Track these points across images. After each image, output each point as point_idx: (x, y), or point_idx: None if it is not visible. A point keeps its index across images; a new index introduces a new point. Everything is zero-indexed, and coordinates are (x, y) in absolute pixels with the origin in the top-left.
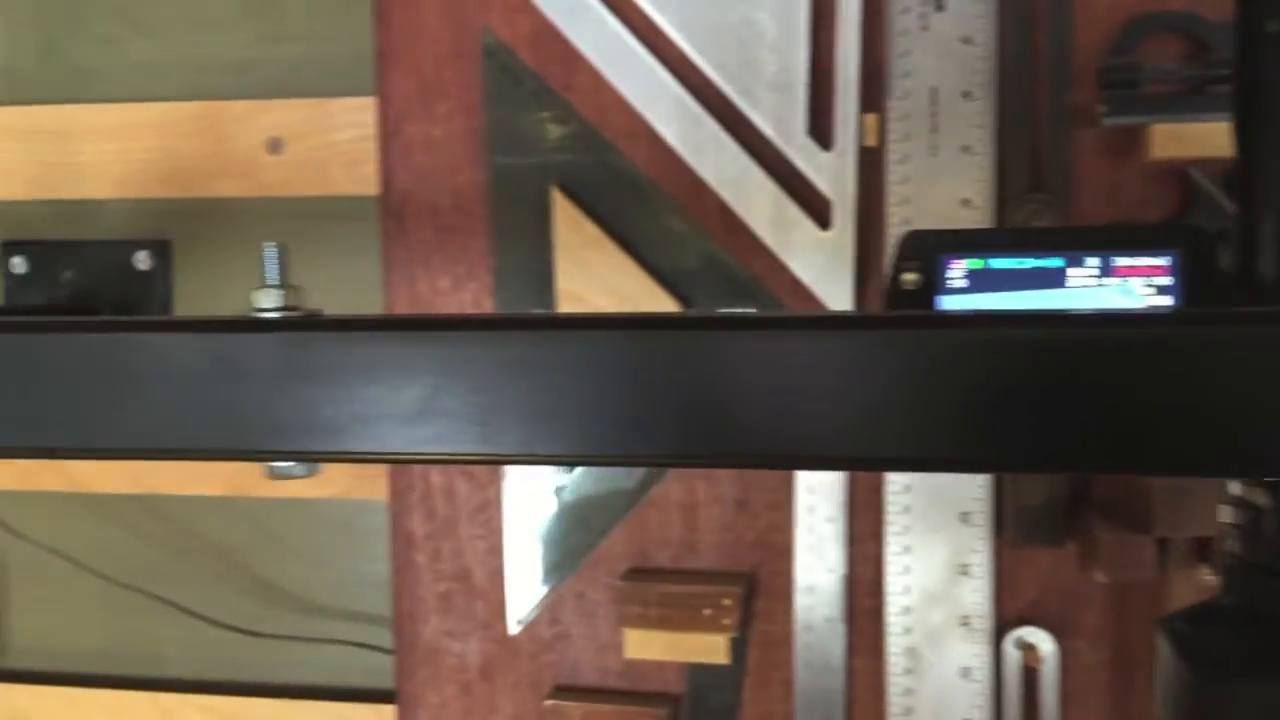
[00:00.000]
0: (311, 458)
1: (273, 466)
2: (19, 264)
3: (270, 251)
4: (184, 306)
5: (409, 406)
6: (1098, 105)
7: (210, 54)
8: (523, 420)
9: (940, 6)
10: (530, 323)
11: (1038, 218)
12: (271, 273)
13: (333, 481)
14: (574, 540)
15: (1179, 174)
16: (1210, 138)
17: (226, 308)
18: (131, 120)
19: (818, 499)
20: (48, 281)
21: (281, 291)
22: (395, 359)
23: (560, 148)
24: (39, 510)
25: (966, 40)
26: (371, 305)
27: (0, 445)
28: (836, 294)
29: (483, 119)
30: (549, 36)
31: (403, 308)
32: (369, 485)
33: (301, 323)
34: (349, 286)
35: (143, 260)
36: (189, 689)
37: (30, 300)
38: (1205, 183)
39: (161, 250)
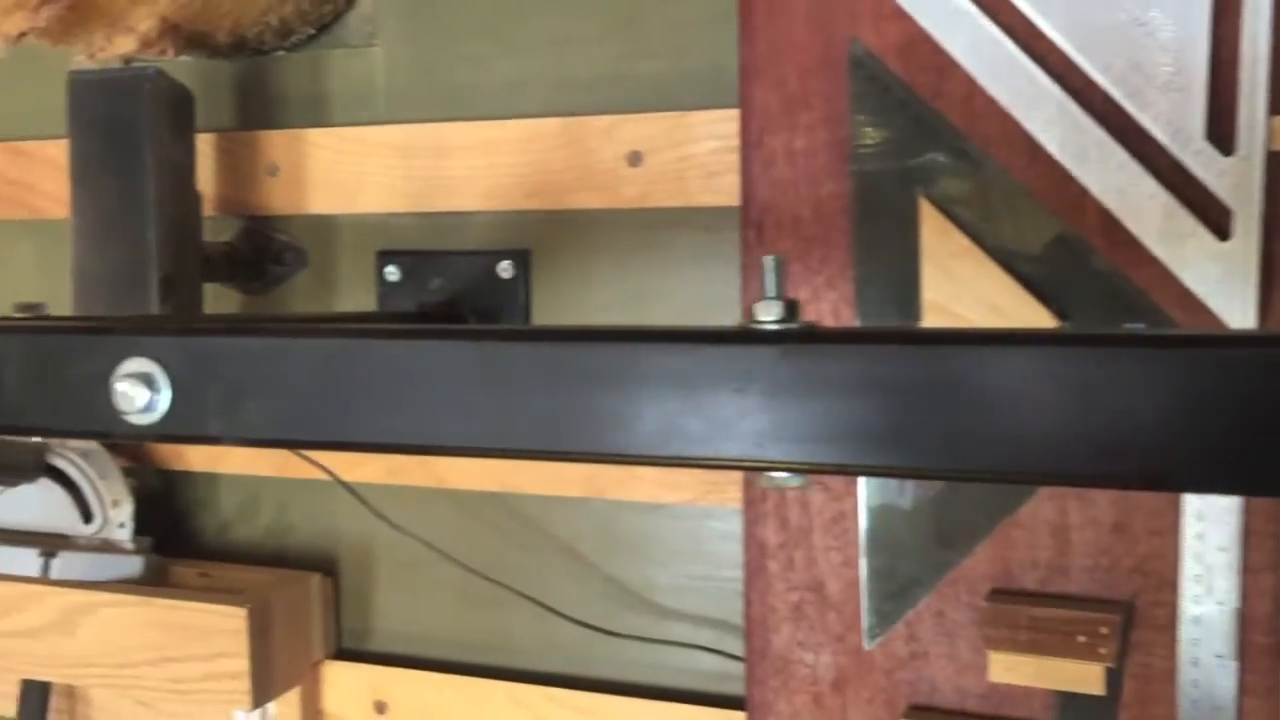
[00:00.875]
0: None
1: (770, 477)
2: (392, 272)
3: (769, 263)
4: (541, 314)
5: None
6: None
7: (573, 71)
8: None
9: None
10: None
11: None
12: (770, 285)
13: (684, 487)
14: (933, 557)
15: None
16: None
17: (580, 316)
18: (499, 136)
19: (1208, 526)
20: (417, 289)
21: (780, 304)
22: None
23: (928, 157)
24: (406, 503)
25: None
26: (728, 314)
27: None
28: (1236, 309)
29: (848, 129)
30: (920, 44)
31: None
32: (719, 492)
33: (801, 334)
34: (705, 297)
35: (505, 269)
36: (541, 681)
37: (400, 306)
38: None
39: (522, 260)
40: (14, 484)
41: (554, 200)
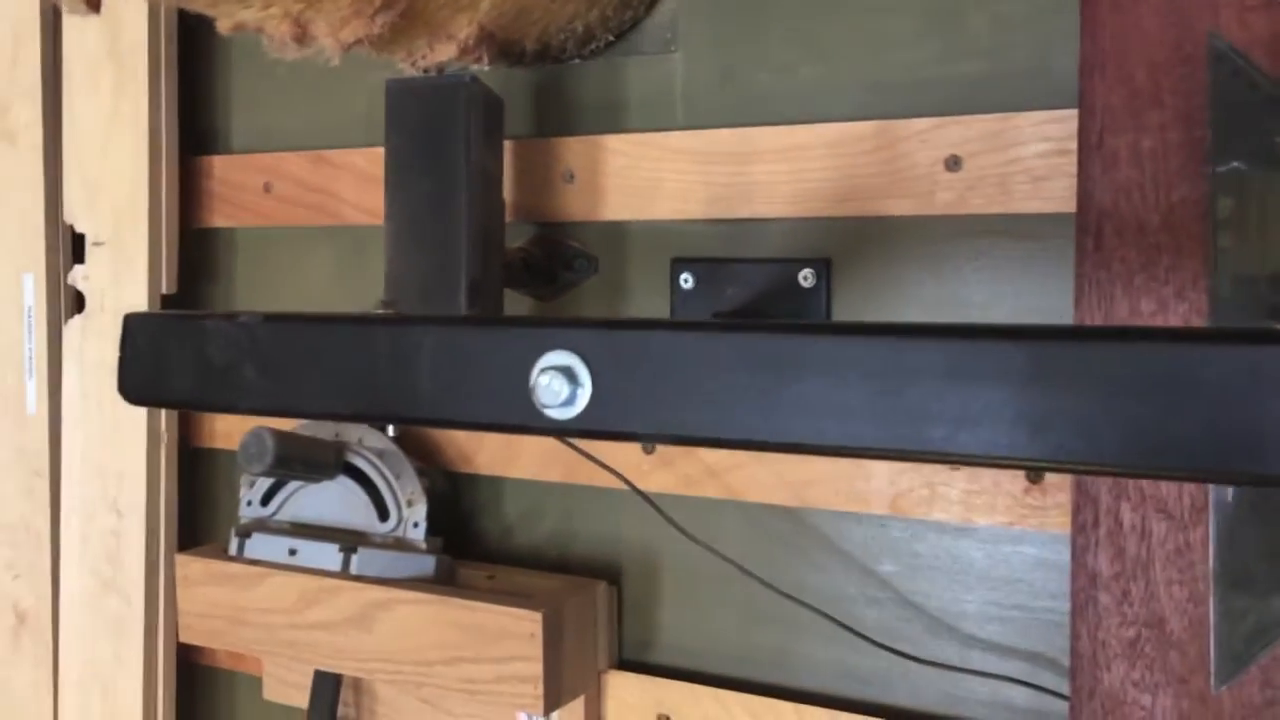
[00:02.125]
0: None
1: None
2: (687, 279)
3: None
4: (842, 317)
5: None
6: None
7: (887, 73)
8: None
9: None
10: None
11: None
12: None
13: (997, 510)
14: None
15: None
16: None
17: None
18: (805, 141)
19: None
20: (713, 297)
21: None
22: None
23: None
24: (695, 513)
25: None
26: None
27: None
28: None
29: (1204, 129)
30: None
31: None
32: (1036, 516)
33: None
34: (1026, 308)
35: (806, 277)
36: (832, 704)
37: (695, 314)
38: None
39: (824, 268)
40: (316, 480)
41: (861, 207)
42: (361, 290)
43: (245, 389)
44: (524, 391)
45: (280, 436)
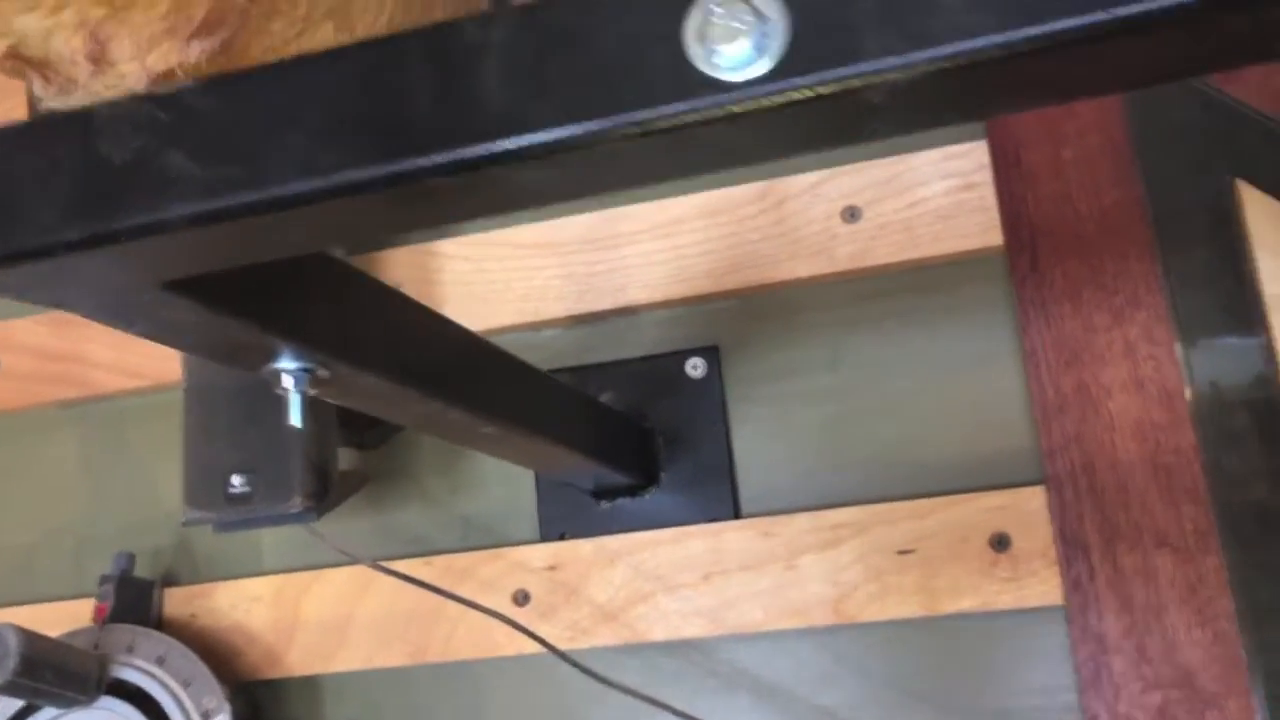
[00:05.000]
0: None
1: None
2: None
3: None
4: (740, 416)
5: None
6: None
7: None
8: None
9: None
10: None
11: None
12: None
13: (959, 591)
14: None
15: None
16: None
17: (784, 412)
18: (680, 214)
19: None
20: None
21: None
22: None
23: (1233, 142)
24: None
25: None
26: (999, 362)
27: None
28: None
29: (1125, 128)
30: None
31: (1051, 354)
32: (1012, 591)
33: None
34: (957, 359)
35: (696, 367)
36: None
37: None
38: None
39: (713, 355)
40: (73, 702)
41: (753, 276)
42: (124, 478)
43: (173, 184)
44: (677, 49)
45: (27, 636)
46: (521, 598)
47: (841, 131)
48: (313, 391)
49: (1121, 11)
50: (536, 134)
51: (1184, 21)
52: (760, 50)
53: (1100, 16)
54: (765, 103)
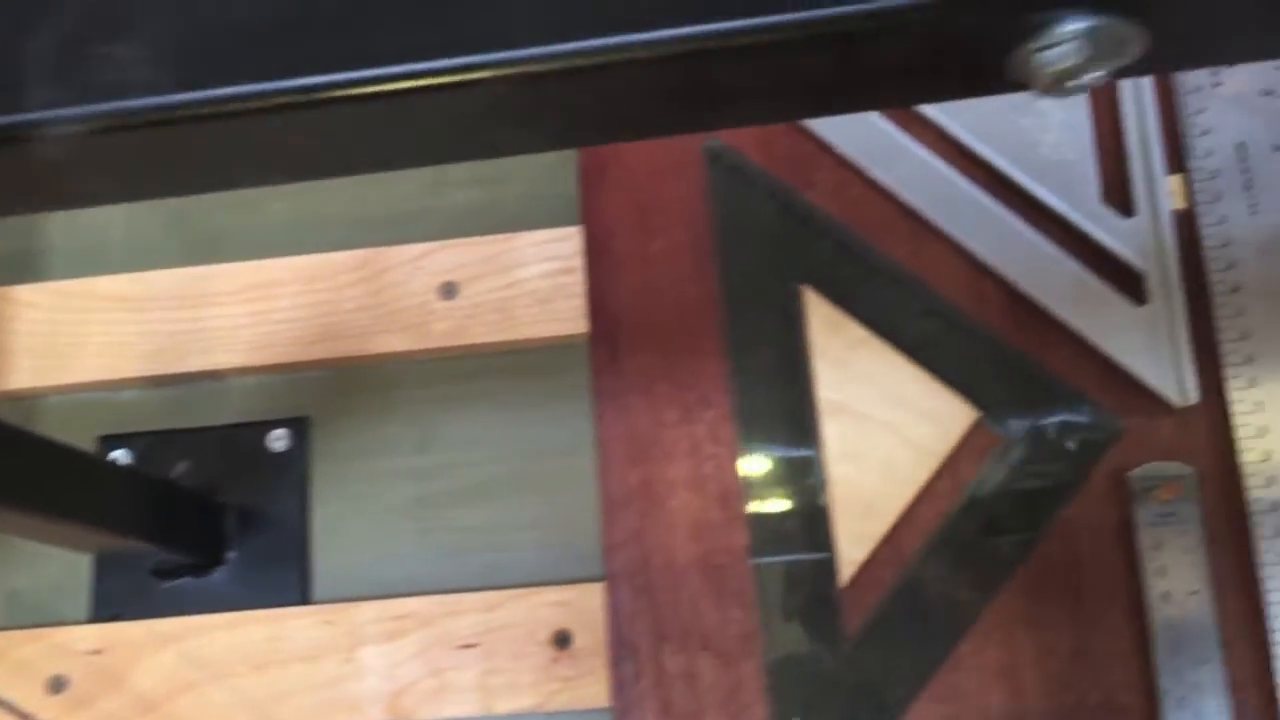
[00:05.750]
0: None
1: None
2: (121, 458)
3: None
4: (324, 491)
5: None
6: None
7: (372, 208)
8: None
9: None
10: None
11: None
12: None
13: (519, 689)
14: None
15: None
16: None
17: (372, 489)
18: (275, 277)
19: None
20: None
21: None
22: None
23: (806, 249)
24: None
25: (1267, 93)
26: (580, 453)
27: None
28: (1169, 375)
29: (710, 226)
30: (785, 132)
31: (622, 448)
32: (571, 690)
33: None
34: (551, 438)
35: (279, 440)
36: None
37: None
38: None
39: (300, 428)
40: None
41: (347, 347)
42: None
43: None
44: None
45: None
46: (57, 684)
47: None
48: None
49: None
50: None
51: None
52: None
53: None
54: None
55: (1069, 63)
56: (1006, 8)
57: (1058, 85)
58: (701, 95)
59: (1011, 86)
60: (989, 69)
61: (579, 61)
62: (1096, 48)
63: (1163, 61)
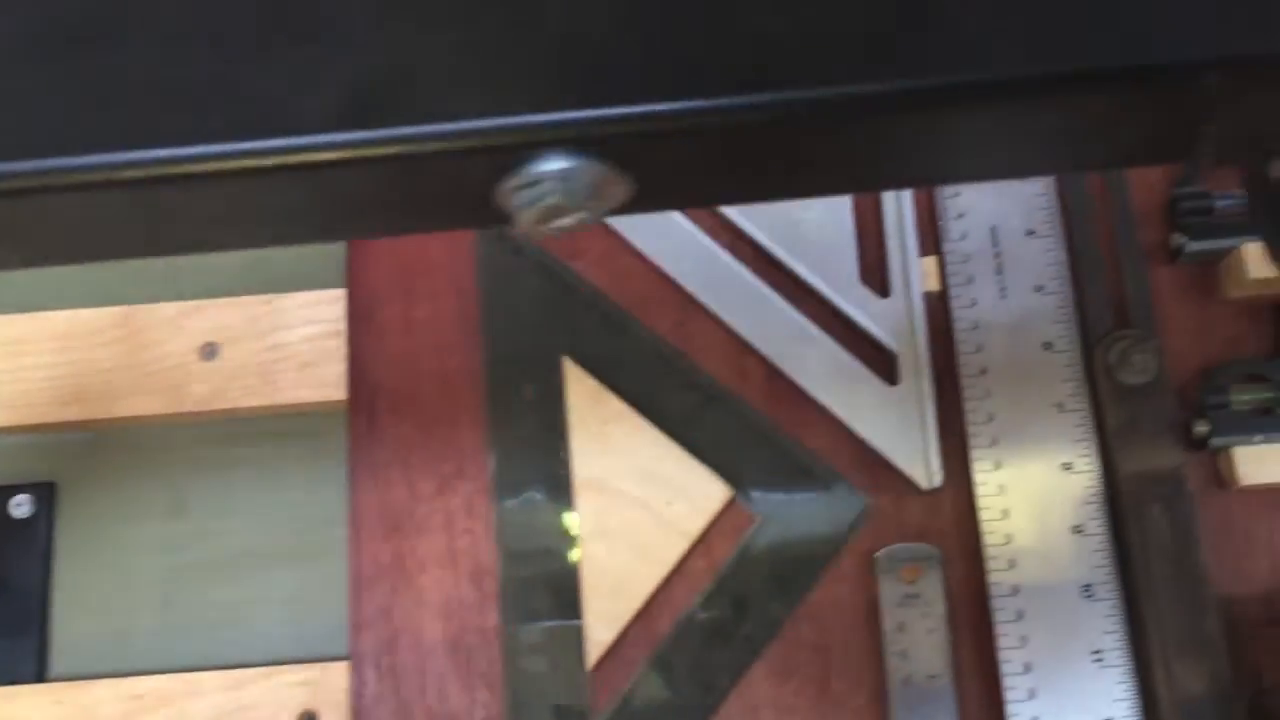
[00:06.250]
0: None
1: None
2: None
3: None
4: (69, 560)
5: None
6: (1174, 236)
7: (132, 265)
8: None
9: None
10: None
11: (1137, 353)
12: None
13: None
14: None
15: (1277, 303)
16: None
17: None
18: (25, 333)
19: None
20: None
21: None
22: None
23: (570, 320)
24: None
25: None
26: (333, 525)
27: None
28: (914, 455)
29: (475, 295)
30: None
31: (374, 520)
32: None
33: None
34: (308, 508)
35: (21, 506)
36: None
37: None
38: None
39: (46, 493)
40: None
41: (99, 409)
42: None
43: None
44: None
45: None
46: None
47: None
48: None
49: None
50: None
51: None
52: None
53: None
54: None
55: (549, 202)
56: (481, 145)
57: (541, 224)
58: None
59: (497, 220)
60: (473, 201)
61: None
62: (576, 190)
63: (649, 203)
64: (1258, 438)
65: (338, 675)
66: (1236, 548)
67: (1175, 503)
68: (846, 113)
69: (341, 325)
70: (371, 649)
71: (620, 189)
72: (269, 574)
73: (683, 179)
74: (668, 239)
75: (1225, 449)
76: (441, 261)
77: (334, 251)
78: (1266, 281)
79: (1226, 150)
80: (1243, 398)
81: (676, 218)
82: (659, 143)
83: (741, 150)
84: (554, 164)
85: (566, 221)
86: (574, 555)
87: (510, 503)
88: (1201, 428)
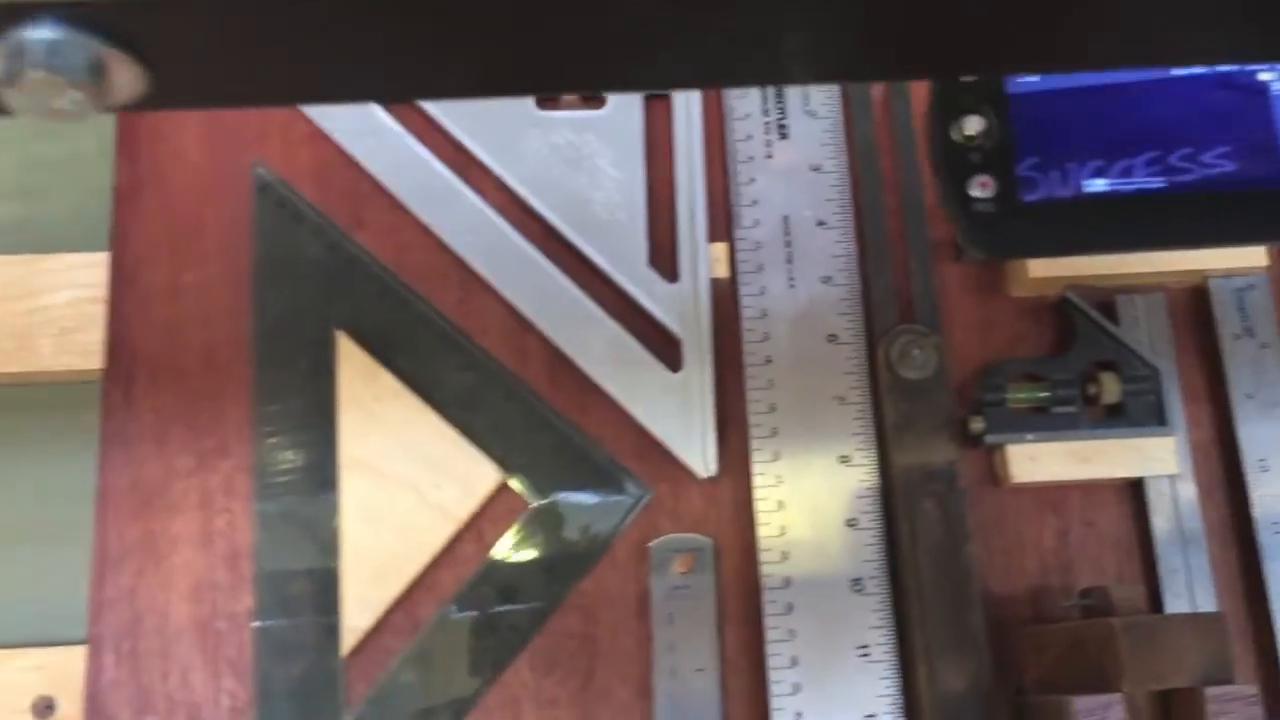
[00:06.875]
0: None
1: None
2: None
3: None
4: None
5: None
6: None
7: None
8: None
9: (784, 134)
10: None
11: (918, 348)
12: None
13: None
14: None
15: (1055, 303)
16: (1084, 262)
17: None
18: None
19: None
20: None
21: None
22: None
23: (348, 291)
24: None
25: (816, 168)
26: (83, 502)
27: None
28: (693, 444)
29: (249, 261)
30: (339, 169)
31: (124, 496)
32: None
33: None
34: (56, 483)
35: None
36: None
37: None
38: (1085, 306)
39: None
40: None
41: None
42: None
43: None
44: None
45: None
46: None
47: None
48: None
49: None
50: None
51: None
52: None
53: None
54: None
55: (35, 76)
56: None
57: (35, 104)
58: None
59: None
60: None
61: None
62: (66, 66)
63: (170, 97)
64: (1030, 436)
65: (76, 659)
66: (1006, 545)
67: (947, 499)
68: None
69: (103, 290)
70: (112, 632)
71: (129, 75)
72: (10, 552)
73: (203, 68)
74: (454, 213)
75: (999, 446)
76: (214, 224)
77: (100, 211)
78: (1047, 281)
79: None
80: (1019, 396)
81: (464, 192)
82: (161, 19)
83: (275, 33)
84: (42, 33)
85: (62, 103)
86: (336, 538)
87: (273, 482)
88: (977, 424)
